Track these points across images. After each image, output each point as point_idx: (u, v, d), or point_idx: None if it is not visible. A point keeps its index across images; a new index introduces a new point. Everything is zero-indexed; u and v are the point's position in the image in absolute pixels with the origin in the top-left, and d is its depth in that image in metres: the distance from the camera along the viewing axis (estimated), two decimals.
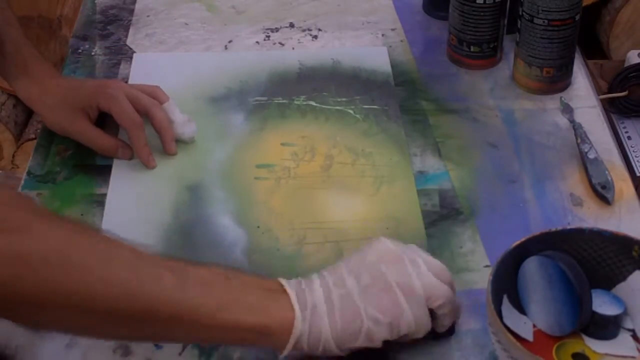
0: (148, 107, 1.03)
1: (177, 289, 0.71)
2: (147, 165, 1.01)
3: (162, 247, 0.91)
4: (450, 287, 0.78)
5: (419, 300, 0.75)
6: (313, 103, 1.11)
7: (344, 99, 1.11)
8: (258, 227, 0.94)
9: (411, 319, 0.75)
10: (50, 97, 1.03)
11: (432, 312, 0.78)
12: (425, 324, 0.77)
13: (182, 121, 1.04)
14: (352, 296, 0.74)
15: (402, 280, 0.75)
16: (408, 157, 1.02)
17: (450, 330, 0.82)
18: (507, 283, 0.79)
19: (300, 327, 0.73)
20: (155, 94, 1.05)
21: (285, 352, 0.74)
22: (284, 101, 1.11)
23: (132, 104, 1.02)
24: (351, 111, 1.09)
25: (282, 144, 1.05)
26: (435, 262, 0.79)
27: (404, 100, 1.11)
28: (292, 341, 0.73)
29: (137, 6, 1.30)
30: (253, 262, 0.90)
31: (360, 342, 0.74)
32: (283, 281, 0.76)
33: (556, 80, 1.12)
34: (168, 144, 1.03)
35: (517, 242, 0.80)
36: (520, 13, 1.09)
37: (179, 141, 1.04)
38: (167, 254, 0.86)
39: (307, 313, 0.73)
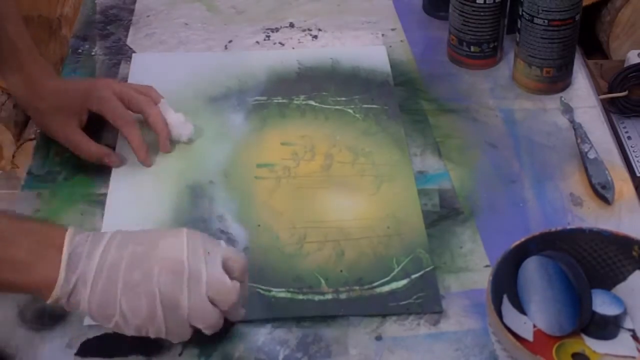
0: (142, 105, 1.02)
1: None
2: (144, 164, 1.01)
3: None
4: (230, 307, 0.78)
5: (180, 317, 0.76)
6: (312, 102, 1.11)
7: (343, 99, 1.11)
8: (259, 226, 0.94)
9: (162, 329, 0.76)
10: (40, 101, 1.01)
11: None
12: (182, 336, 0.78)
13: (177, 122, 1.03)
14: (117, 287, 0.75)
15: (169, 294, 0.75)
16: (408, 155, 1.02)
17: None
18: (507, 283, 0.79)
19: (60, 292, 0.75)
20: (149, 94, 1.04)
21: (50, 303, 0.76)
22: (284, 101, 1.11)
23: (125, 102, 1.02)
24: (351, 110, 1.09)
25: (282, 144, 1.04)
26: (220, 283, 0.77)
27: (404, 100, 1.11)
28: (51, 300, 0.76)
29: (137, 6, 1.30)
30: (253, 261, 0.90)
31: (112, 327, 0.77)
32: (69, 233, 0.77)
33: (556, 80, 1.12)
34: (162, 142, 1.02)
35: (517, 242, 0.80)
36: (520, 13, 1.09)
37: (177, 142, 1.04)
38: None
39: (73, 279, 0.75)
